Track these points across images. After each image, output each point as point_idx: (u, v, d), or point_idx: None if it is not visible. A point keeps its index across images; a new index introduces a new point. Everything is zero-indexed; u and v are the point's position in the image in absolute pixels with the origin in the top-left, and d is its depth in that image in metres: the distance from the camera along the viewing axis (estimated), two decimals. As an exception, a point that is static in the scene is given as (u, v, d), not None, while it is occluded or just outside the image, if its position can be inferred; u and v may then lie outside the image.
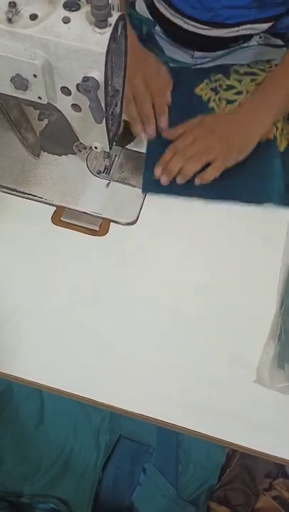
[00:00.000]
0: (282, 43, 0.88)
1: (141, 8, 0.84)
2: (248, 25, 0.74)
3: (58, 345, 0.54)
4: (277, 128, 0.68)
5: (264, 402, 0.52)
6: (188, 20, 0.75)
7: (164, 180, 0.62)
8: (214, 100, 0.72)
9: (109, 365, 0.54)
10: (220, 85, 0.73)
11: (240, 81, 0.73)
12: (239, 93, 0.72)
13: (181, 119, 0.66)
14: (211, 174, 0.61)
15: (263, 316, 0.57)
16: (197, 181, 0.62)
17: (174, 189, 0.63)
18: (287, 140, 0.68)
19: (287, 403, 0.52)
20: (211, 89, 0.73)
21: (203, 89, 0.73)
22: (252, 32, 0.74)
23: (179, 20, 0.76)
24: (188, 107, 0.70)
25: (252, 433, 0.51)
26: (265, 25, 0.73)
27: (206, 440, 0.51)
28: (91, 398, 0.52)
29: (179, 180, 0.62)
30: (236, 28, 0.74)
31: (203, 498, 0.99)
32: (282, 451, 0.51)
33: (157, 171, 0.62)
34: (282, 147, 0.67)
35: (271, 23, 0.73)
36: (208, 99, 0.72)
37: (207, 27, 0.74)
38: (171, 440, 1.05)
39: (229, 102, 0.71)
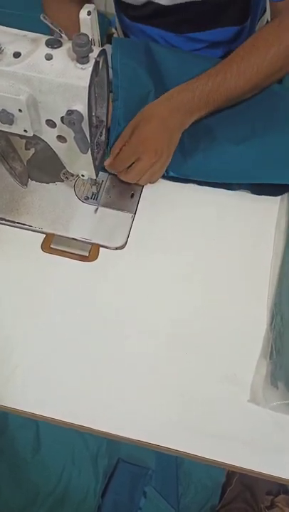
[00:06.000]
0: None
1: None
2: None
3: (53, 373, 0.54)
4: None
5: (260, 421, 0.52)
6: None
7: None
8: None
9: (105, 391, 0.53)
10: None
11: None
12: None
13: None
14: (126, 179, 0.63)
15: (255, 335, 0.57)
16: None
17: None
18: None
19: (283, 422, 0.52)
20: None
21: None
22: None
23: None
24: None
25: (250, 454, 0.51)
26: None
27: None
28: (86, 426, 0.52)
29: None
30: None
31: (205, 520, 0.98)
32: (281, 470, 0.51)
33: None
34: None
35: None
36: None
37: None
38: (170, 461, 1.04)
39: None
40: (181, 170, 0.65)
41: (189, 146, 0.66)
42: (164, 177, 0.66)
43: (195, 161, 0.66)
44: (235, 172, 0.65)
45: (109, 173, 0.67)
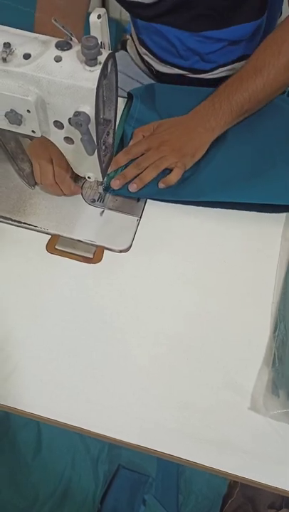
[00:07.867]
0: None
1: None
2: (225, 68, 0.81)
3: (52, 374, 0.54)
4: None
5: (260, 429, 0.51)
6: (170, 67, 0.84)
7: (116, 184, 0.64)
8: None
9: (103, 394, 0.53)
10: None
11: None
12: None
13: None
14: (172, 179, 0.65)
15: (258, 342, 0.57)
16: (161, 185, 0.65)
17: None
18: None
19: (283, 431, 0.51)
20: None
21: None
22: (232, 73, 0.76)
23: (163, 68, 0.86)
24: None
25: (249, 463, 0.50)
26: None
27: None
28: (86, 429, 0.51)
29: (135, 186, 0.65)
30: (215, 72, 0.82)
31: (204, 531, 0.96)
32: (280, 481, 0.49)
33: (114, 183, 0.65)
34: None
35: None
36: None
37: (189, 72, 0.83)
38: (171, 470, 1.03)
39: None
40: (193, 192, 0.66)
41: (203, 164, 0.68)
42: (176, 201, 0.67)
43: (207, 179, 0.67)
44: (242, 191, 0.65)
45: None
